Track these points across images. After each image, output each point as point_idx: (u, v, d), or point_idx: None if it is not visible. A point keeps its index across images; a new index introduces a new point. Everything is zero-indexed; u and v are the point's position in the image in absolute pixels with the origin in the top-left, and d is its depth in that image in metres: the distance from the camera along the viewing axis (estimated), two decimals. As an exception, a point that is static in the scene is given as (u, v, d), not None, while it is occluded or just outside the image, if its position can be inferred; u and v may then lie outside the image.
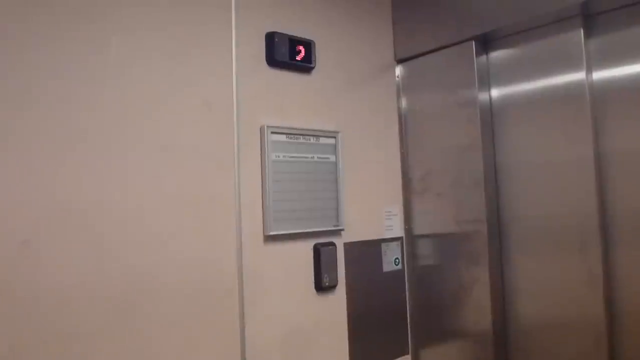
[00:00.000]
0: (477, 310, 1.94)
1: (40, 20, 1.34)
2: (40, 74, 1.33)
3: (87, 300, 1.37)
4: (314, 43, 1.90)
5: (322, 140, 1.91)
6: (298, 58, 1.85)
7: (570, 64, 1.77)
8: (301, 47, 1.86)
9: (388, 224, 2.15)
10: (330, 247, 1.91)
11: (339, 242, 1.96)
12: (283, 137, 1.81)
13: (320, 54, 1.93)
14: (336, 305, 1.94)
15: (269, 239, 1.75)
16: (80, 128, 1.39)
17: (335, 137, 1.95)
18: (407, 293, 2.18)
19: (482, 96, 1.96)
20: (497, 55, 1.98)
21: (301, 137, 1.86)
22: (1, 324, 1.24)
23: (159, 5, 1.56)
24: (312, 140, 1.89)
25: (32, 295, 1.28)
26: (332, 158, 1.94)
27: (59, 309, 1.32)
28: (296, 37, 1.85)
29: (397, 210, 2.19)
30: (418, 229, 2.18)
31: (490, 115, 1.98)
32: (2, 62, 1.28)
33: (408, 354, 2.16)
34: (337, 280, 1.93)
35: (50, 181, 1.33)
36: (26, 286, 1.28)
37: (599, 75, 1.74)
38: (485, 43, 1.99)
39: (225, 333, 1.63)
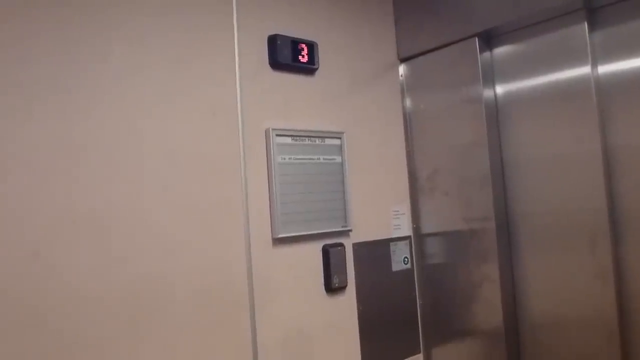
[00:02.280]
0: (488, 308, 1.93)
1: (42, 32, 1.35)
2: (44, 85, 1.34)
3: (99, 309, 1.37)
4: (317, 44, 1.90)
5: (328, 141, 1.91)
6: (301, 60, 1.85)
7: (575, 58, 1.75)
8: (304, 49, 1.86)
9: (396, 223, 2.14)
10: (339, 247, 1.91)
11: (348, 243, 1.96)
12: (288, 140, 1.81)
13: (323, 55, 1.93)
14: (346, 305, 1.94)
15: (278, 241, 1.76)
16: (86, 138, 1.40)
17: (340, 138, 1.94)
18: (417, 292, 2.18)
19: (487, 93, 1.95)
20: (501, 51, 1.97)
21: (306, 138, 1.86)
22: (14, 335, 1.25)
23: (160, 13, 1.57)
24: (318, 141, 1.89)
25: (43, 305, 1.29)
26: (338, 159, 1.94)
27: (70, 318, 1.33)
28: (299, 38, 1.86)
29: (405, 209, 2.18)
30: (426, 228, 2.17)
31: (495, 112, 1.98)
32: (7, 74, 1.29)
33: (420, 352, 2.16)
34: (347, 281, 1.93)
35: (58, 191, 1.34)
36: (37, 296, 1.29)
37: (604, 69, 1.73)
38: (489, 39, 1.98)
39: (237, 336, 1.64)
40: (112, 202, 1.42)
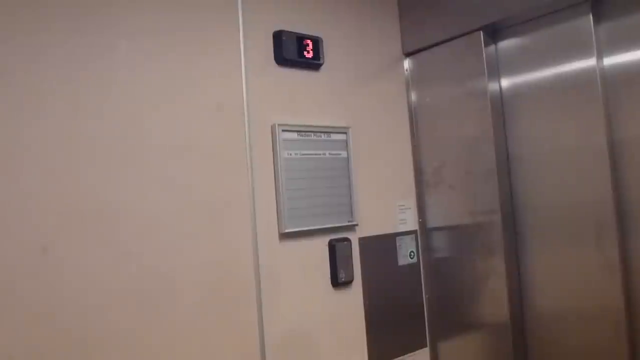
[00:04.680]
0: (494, 301, 1.94)
1: (48, 28, 1.36)
2: (52, 82, 1.35)
3: (107, 304, 1.39)
4: (322, 40, 1.91)
5: (333, 136, 1.92)
6: (306, 55, 1.86)
7: (580, 51, 1.75)
8: (309, 44, 1.86)
9: (402, 217, 2.15)
10: (345, 242, 1.92)
11: (354, 238, 1.96)
12: (294, 135, 1.81)
13: (328, 50, 1.94)
14: (353, 300, 1.95)
15: (284, 236, 1.76)
16: (93, 134, 1.41)
17: (346, 133, 1.95)
18: (423, 286, 2.18)
19: (492, 86, 1.95)
20: (506, 44, 1.97)
21: (312, 134, 1.86)
22: (24, 331, 1.26)
23: (165, 8, 1.57)
24: (323, 136, 1.89)
25: (53, 300, 1.31)
26: (344, 154, 1.94)
27: (78, 313, 1.34)
28: (304, 34, 1.86)
29: (411, 203, 2.19)
30: (432, 222, 2.18)
31: (500, 105, 1.98)
32: (15, 71, 1.30)
33: (426, 346, 2.16)
34: (353, 275, 1.94)
35: (65, 187, 1.35)
36: (45, 291, 1.30)
37: (610, 61, 1.72)
38: (494, 33, 1.98)
39: (244, 330, 1.65)
40: (119, 197, 1.43)
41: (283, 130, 1.78)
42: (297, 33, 1.84)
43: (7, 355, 1.23)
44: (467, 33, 1.98)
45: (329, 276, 1.88)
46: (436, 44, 2.10)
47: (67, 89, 1.37)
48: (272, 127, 1.77)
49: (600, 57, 1.73)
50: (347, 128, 1.95)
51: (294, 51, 1.83)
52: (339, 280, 1.88)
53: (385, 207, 2.10)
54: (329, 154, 1.90)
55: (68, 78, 1.38)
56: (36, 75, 1.33)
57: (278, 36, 1.80)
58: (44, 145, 1.33)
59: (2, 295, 1.24)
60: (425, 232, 2.20)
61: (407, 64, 2.23)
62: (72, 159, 1.37)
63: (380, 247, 2.06)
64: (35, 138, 1.32)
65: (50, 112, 1.34)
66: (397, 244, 2.11)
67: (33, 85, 1.32)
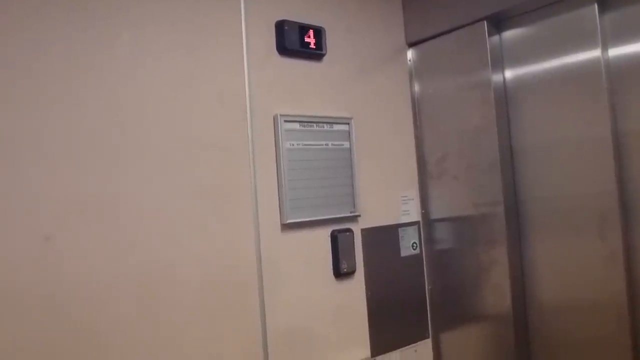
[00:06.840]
0: (496, 293, 1.94)
1: (49, 20, 1.36)
2: (55, 73, 1.35)
3: (109, 294, 1.39)
4: (324, 30, 1.90)
5: (336, 127, 1.91)
6: (309, 45, 1.85)
7: (585, 41, 1.73)
8: (311, 35, 1.86)
9: (404, 208, 2.14)
10: (348, 233, 1.92)
11: (356, 228, 1.96)
12: (296, 126, 1.81)
13: (330, 41, 1.92)
14: (355, 290, 1.95)
15: (286, 227, 1.77)
16: (96, 124, 1.41)
17: (348, 124, 1.94)
18: (425, 277, 2.18)
19: (496, 77, 1.94)
20: (510, 34, 1.95)
21: (314, 124, 1.86)
22: (27, 320, 1.27)
23: (168, -2, 1.57)
24: (326, 127, 1.89)
25: (56, 290, 1.32)
26: (346, 144, 1.94)
27: (82, 303, 1.35)
28: (306, 24, 1.85)
29: (414, 194, 2.18)
30: (435, 213, 2.17)
31: (504, 96, 1.96)
32: (18, 64, 1.30)
33: (428, 337, 2.16)
34: (355, 266, 1.94)
35: (68, 177, 1.36)
36: (49, 282, 1.31)
37: (615, 51, 1.70)
38: (498, 23, 1.96)
39: (247, 321, 1.66)
40: (121, 187, 1.44)
41: (285, 121, 1.77)
42: (299, 23, 1.83)
43: (9, 343, 1.24)
44: (471, 23, 1.96)
45: (331, 267, 1.89)
46: (440, 34, 2.08)
47: (69, 80, 1.37)
48: (274, 118, 1.77)
49: (605, 47, 1.71)
50: (350, 119, 1.95)
51: (296, 41, 1.82)
52: (341, 271, 1.89)
53: (388, 198, 2.10)
54: (332, 144, 1.89)
55: (69, 69, 1.38)
56: (38, 68, 1.33)
57: (280, 26, 1.79)
58: (47, 136, 1.33)
59: (5, 283, 1.25)
60: (428, 223, 2.19)
61: (410, 54, 2.21)
62: (74, 149, 1.37)
63: (382, 238, 2.06)
64: (38, 129, 1.32)
65: (53, 102, 1.35)
66: (400, 235, 2.11)
67: (35, 77, 1.32)
